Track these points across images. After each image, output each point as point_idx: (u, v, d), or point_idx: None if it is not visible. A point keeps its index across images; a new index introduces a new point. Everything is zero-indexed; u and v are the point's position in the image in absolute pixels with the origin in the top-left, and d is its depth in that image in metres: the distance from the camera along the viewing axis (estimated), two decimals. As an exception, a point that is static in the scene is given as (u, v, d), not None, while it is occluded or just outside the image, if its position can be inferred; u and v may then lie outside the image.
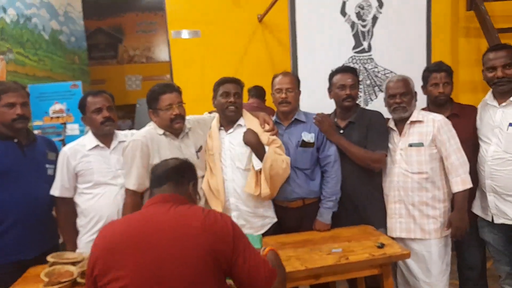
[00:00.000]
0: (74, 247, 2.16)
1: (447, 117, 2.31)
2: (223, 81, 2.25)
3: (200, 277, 1.23)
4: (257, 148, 2.17)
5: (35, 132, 3.34)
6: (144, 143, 2.08)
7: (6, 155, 2.07)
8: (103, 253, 1.29)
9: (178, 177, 1.45)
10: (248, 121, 2.27)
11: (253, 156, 2.18)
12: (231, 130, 2.28)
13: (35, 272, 1.90)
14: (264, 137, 2.21)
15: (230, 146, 2.25)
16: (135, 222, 1.33)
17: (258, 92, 3.40)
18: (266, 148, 2.18)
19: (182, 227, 1.27)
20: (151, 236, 1.25)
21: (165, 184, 1.43)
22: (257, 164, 2.16)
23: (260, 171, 2.15)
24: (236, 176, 2.21)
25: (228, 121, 2.28)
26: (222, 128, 2.31)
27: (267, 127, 2.25)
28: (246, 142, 2.18)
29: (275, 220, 2.31)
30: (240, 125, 2.27)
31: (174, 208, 1.33)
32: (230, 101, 2.21)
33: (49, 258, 1.86)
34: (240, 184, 2.21)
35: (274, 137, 2.24)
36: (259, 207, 2.25)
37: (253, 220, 2.24)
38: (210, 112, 2.47)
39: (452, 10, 3.45)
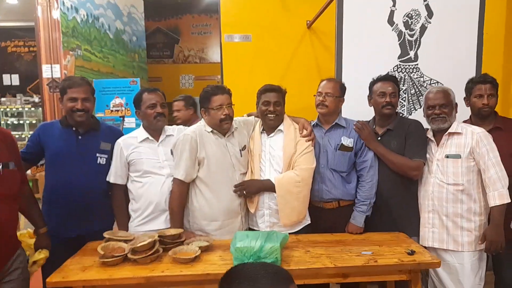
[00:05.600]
0: (125, 229, 2.36)
1: (490, 130, 2.29)
2: (265, 90, 2.38)
3: None
4: (263, 190, 2.32)
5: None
6: (194, 138, 2.27)
7: (61, 141, 2.31)
8: None
9: None
10: (287, 126, 2.39)
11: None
12: (272, 134, 2.41)
13: (92, 246, 2.17)
14: (299, 144, 2.32)
15: (270, 149, 2.38)
16: None
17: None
18: (280, 176, 2.29)
19: None
20: None
21: None
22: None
23: None
24: (272, 177, 2.32)
25: (269, 127, 2.41)
26: (263, 131, 2.45)
27: (304, 132, 2.37)
28: (247, 193, 2.32)
29: (308, 222, 2.41)
30: (280, 130, 2.39)
31: None
32: (270, 110, 2.34)
33: (105, 235, 2.11)
34: None
35: (309, 143, 2.34)
36: None
37: None
38: (249, 114, 2.61)
39: (507, 22, 3.33)
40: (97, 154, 2.38)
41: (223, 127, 2.31)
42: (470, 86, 2.46)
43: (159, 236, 2.07)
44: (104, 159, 2.39)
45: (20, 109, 7.14)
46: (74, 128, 2.35)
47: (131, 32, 6.48)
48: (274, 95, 2.36)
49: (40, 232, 2.15)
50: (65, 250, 2.11)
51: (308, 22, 3.54)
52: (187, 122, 3.53)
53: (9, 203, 1.88)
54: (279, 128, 2.40)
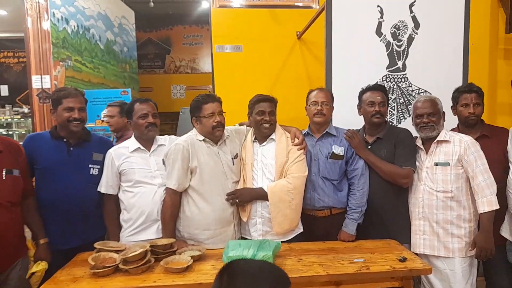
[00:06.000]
0: (117, 240, 2.34)
1: (477, 138, 2.33)
2: (259, 100, 2.40)
3: None
4: (256, 198, 2.34)
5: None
6: (185, 147, 2.28)
7: (52, 153, 2.29)
8: None
9: None
10: (279, 135, 2.41)
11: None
12: (264, 143, 2.43)
13: (82, 257, 2.14)
14: (291, 153, 2.35)
15: (262, 157, 2.40)
16: None
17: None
18: (273, 184, 2.31)
19: None
20: None
21: None
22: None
23: None
24: (264, 186, 2.34)
25: (262, 136, 2.43)
26: (255, 140, 2.46)
27: (296, 141, 2.39)
28: (240, 202, 2.33)
29: (301, 230, 2.42)
30: (272, 139, 2.42)
31: None
32: (266, 119, 2.36)
33: (96, 245, 2.09)
34: None
35: (301, 152, 2.36)
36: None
37: None
38: (240, 124, 2.63)
39: (491, 32, 3.43)
40: (90, 165, 2.37)
41: (215, 134, 2.32)
42: (456, 95, 2.52)
43: (150, 246, 2.06)
44: (97, 170, 2.38)
45: (9, 119, 7.07)
46: (65, 140, 2.33)
47: (122, 43, 6.49)
48: (268, 104, 2.39)
49: (40, 243, 2.14)
50: (60, 262, 2.09)
51: (298, 33, 3.59)
52: (119, 131, 3.47)
53: (10, 209, 1.93)
54: (271, 137, 2.42)
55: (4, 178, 1.92)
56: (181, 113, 5.95)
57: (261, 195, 2.31)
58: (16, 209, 1.98)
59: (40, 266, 2.05)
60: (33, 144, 2.31)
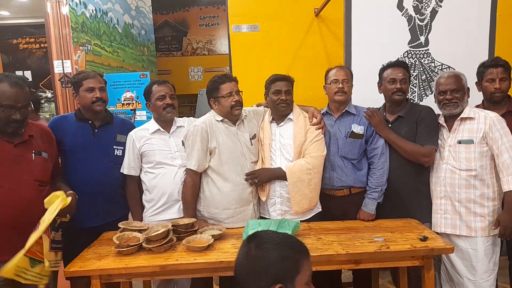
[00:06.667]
0: (139, 219, 2.42)
1: (503, 115, 2.25)
2: (275, 79, 2.38)
3: None
4: (275, 178, 2.33)
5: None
6: (204, 128, 2.29)
7: (78, 135, 2.35)
8: None
9: None
10: (296, 115, 2.40)
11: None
12: (281, 123, 2.42)
13: (108, 236, 2.22)
14: (309, 133, 2.33)
15: (280, 138, 2.39)
16: None
17: None
18: (291, 164, 2.30)
19: None
20: None
21: None
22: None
23: None
24: (283, 166, 2.34)
25: (279, 116, 2.42)
26: (273, 121, 2.46)
27: (314, 120, 2.37)
28: (259, 182, 2.33)
29: (320, 210, 2.42)
30: (290, 119, 2.40)
31: None
32: (282, 98, 2.34)
33: (120, 225, 2.15)
34: None
35: (319, 131, 2.34)
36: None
37: None
38: (258, 105, 2.62)
39: (521, 3, 3.27)
40: (114, 146, 2.42)
41: (234, 113, 2.33)
42: (482, 70, 2.43)
43: (172, 226, 2.11)
44: (121, 151, 2.43)
45: (34, 104, 7.25)
46: (90, 122, 2.39)
47: (140, 26, 6.49)
48: (284, 83, 2.37)
49: (68, 192, 2.13)
50: (85, 240, 2.17)
51: (316, 10, 3.50)
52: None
53: (37, 188, 2.01)
54: (288, 117, 2.41)
55: (33, 159, 2.03)
56: (199, 95, 5.96)
57: (279, 175, 2.31)
58: (44, 189, 2.05)
59: (60, 194, 1.97)
60: (59, 125, 2.37)
